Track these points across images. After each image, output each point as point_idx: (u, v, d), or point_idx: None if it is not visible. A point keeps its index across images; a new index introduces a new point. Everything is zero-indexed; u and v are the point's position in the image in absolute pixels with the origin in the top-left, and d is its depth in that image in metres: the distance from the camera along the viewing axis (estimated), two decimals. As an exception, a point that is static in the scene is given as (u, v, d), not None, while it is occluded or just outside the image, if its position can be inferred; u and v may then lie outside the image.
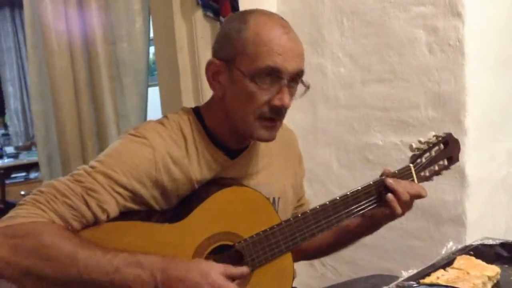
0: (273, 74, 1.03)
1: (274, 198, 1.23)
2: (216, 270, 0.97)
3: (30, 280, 0.92)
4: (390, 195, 1.16)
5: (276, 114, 1.06)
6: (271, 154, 1.25)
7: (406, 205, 1.18)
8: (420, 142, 1.25)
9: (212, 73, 1.11)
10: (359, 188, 1.18)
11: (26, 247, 0.90)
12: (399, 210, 1.16)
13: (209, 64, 1.11)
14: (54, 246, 0.91)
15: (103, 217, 0.99)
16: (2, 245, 0.90)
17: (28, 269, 0.90)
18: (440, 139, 1.26)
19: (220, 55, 1.10)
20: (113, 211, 1.00)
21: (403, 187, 1.16)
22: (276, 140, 1.26)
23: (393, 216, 1.19)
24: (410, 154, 1.27)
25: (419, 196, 1.19)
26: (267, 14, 1.09)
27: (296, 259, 1.18)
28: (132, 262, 0.93)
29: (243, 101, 1.06)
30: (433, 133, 1.27)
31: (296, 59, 1.05)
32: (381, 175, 1.21)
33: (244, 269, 1.03)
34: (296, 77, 1.07)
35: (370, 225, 1.24)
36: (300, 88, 1.11)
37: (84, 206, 0.97)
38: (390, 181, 1.17)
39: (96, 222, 0.99)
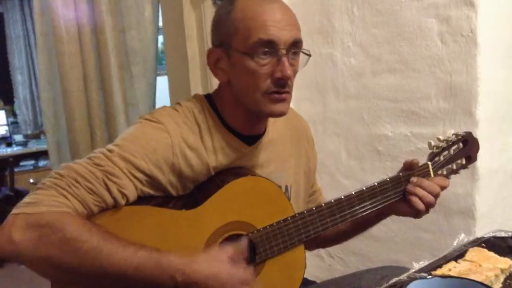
0: (269, 46, 1.02)
1: (286, 186, 1.23)
2: (227, 261, 0.96)
3: (52, 269, 0.92)
4: (411, 198, 1.16)
5: (281, 86, 1.05)
6: (284, 142, 1.25)
7: (430, 205, 1.18)
8: (439, 140, 1.23)
9: (214, 62, 1.11)
10: (375, 184, 1.17)
11: (50, 238, 0.90)
12: (422, 208, 1.16)
13: (209, 54, 1.11)
14: (78, 240, 0.91)
15: (122, 202, 0.99)
16: (26, 233, 0.89)
17: (51, 260, 0.91)
18: (460, 137, 1.25)
19: (217, 42, 1.10)
20: (132, 196, 1.01)
21: (426, 187, 1.16)
22: (288, 127, 1.25)
23: (415, 215, 1.20)
24: (420, 146, 1.26)
25: (443, 189, 1.18)
26: None
27: (310, 247, 1.18)
28: (152, 262, 0.93)
29: (246, 81, 1.06)
30: (453, 131, 1.25)
31: (288, 27, 1.04)
32: (400, 171, 1.20)
33: (243, 244, 1.02)
34: (294, 47, 1.06)
35: (389, 213, 1.25)
36: (303, 58, 1.09)
37: (105, 191, 0.97)
38: (409, 186, 1.17)
39: (114, 206, 0.99)
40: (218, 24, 1.10)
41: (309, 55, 1.09)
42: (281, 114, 1.09)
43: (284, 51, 1.03)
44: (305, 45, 1.09)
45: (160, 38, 2.61)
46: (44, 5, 2.50)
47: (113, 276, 0.92)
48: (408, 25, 1.83)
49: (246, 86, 1.06)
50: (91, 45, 2.52)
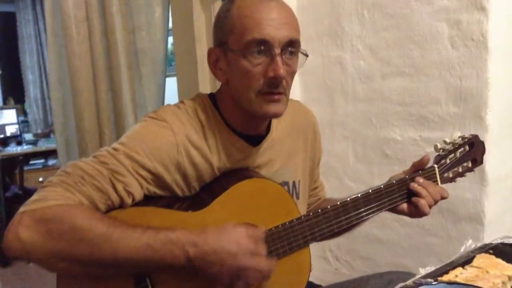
0: (262, 46, 1.01)
1: (294, 182, 1.23)
2: (244, 235, 0.97)
3: (62, 263, 0.92)
4: (419, 200, 1.15)
5: (274, 87, 1.03)
6: (291, 138, 1.24)
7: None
8: (445, 142, 1.23)
9: (213, 62, 1.10)
10: (381, 186, 1.16)
11: (59, 230, 0.90)
12: (427, 211, 1.16)
13: (209, 54, 1.11)
14: (87, 228, 0.91)
15: (128, 200, 1.00)
16: (34, 230, 0.90)
17: (61, 252, 0.91)
18: (466, 140, 1.24)
19: (216, 42, 1.10)
20: (138, 194, 1.01)
21: (431, 192, 1.16)
22: (295, 122, 1.25)
23: (416, 216, 1.19)
24: (429, 150, 1.26)
25: (442, 199, 1.18)
26: None
27: None
28: (161, 238, 0.93)
29: (241, 80, 1.05)
30: (459, 134, 1.25)
31: (284, 27, 1.02)
32: (407, 172, 1.20)
33: (261, 231, 1.01)
34: (290, 46, 1.04)
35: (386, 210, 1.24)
36: (302, 58, 1.08)
37: (111, 188, 0.97)
38: (415, 185, 1.16)
39: (121, 205, 1.00)
40: (218, 24, 1.09)
41: (306, 55, 1.07)
42: (275, 115, 1.08)
43: (278, 51, 1.01)
44: (315, 48, 1.09)
45: (170, 39, 2.62)
46: (55, 5, 2.52)
47: (125, 259, 0.92)
48: (418, 28, 1.82)
49: (241, 86, 1.05)
50: (101, 45, 2.54)
